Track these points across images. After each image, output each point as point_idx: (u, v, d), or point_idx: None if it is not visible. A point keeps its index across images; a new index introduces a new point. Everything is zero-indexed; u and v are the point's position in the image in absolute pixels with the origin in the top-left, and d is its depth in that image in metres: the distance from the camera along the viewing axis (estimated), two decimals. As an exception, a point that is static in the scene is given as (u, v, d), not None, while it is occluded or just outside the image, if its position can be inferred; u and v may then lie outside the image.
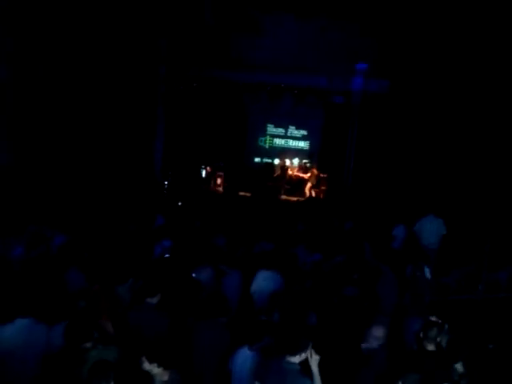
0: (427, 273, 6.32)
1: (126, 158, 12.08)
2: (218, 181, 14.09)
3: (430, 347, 4.26)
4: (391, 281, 6.16)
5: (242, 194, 13.45)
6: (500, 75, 10.60)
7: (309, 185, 13.84)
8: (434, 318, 4.57)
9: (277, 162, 15.21)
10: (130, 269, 5.27)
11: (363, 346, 4.00)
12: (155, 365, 3.42)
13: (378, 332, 4.08)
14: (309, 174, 13.96)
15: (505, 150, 10.81)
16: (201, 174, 14.43)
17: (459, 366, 4.11)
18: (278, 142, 15.91)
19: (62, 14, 9.94)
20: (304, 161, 15.03)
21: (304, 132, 15.82)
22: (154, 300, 4.58)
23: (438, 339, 4.38)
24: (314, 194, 13.83)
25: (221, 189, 13.83)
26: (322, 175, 14.00)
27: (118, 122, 11.79)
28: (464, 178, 11.05)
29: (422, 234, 8.69)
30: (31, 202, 8.82)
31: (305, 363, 3.59)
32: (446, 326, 4.71)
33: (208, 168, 14.32)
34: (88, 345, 3.62)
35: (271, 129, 15.90)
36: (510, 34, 10.27)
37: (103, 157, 11.45)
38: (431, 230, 8.63)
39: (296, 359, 3.56)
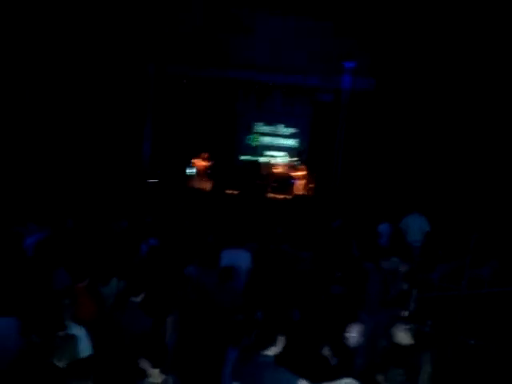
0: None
1: (115, 156, 12.04)
2: (205, 179, 14.06)
3: (412, 341, 4.32)
4: (378, 278, 6.21)
5: (229, 192, 13.45)
6: (486, 72, 10.73)
7: (298, 182, 13.88)
8: (406, 314, 4.63)
9: (263, 160, 15.22)
10: (113, 267, 5.27)
11: (344, 341, 4.06)
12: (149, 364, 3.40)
13: (358, 329, 4.15)
14: (299, 172, 14.00)
15: (489, 149, 10.95)
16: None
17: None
18: (266, 140, 15.91)
19: (49, 13, 9.88)
20: (293, 159, 15.04)
21: (293, 130, 15.85)
22: (138, 299, 4.60)
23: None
24: (302, 191, 13.88)
25: (208, 187, 13.81)
26: (310, 173, 14.05)
27: (106, 121, 11.76)
28: (449, 176, 11.19)
29: (407, 231, 8.80)
30: (18, 200, 8.78)
31: (280, 355, 3.60)
32: (429, 322, 4.79)
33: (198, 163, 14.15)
34: (60, 340, 3.61)
35: (260, 127, 15.89)
36: (495, 31, 10.40)
37: (91, 154, 11.42)
38: (415, 227, 8.74)
39: (270, 352, 3.59)
